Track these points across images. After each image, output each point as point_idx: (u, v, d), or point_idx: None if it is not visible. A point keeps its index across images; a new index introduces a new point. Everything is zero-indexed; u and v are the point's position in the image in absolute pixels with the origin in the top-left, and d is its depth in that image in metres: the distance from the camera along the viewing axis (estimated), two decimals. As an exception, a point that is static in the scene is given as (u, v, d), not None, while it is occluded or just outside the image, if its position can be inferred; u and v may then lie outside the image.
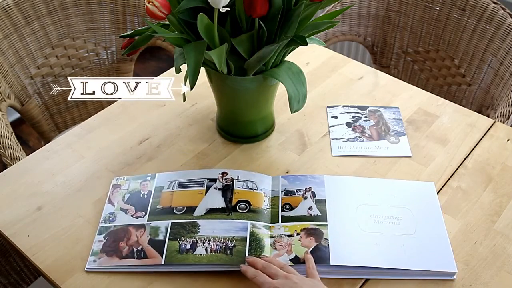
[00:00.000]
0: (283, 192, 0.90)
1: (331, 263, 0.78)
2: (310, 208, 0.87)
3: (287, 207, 0.87)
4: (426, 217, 0.86)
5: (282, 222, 0.85)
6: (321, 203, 0.88)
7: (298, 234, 0.82)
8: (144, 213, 0.88)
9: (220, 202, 0.88)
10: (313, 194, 0.89)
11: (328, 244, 0.80)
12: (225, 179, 0.92)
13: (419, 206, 0.88)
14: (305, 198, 0.89)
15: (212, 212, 0.86)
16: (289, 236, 0.82)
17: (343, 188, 0.91)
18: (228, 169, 0.94)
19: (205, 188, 0.91)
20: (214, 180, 0.92)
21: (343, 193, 0.90)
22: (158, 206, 0.88)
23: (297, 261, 0.79)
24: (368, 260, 0.79)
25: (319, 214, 0.86)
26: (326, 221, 0.84)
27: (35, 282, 1.21)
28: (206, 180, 0.92)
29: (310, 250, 0.80)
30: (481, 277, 0.78)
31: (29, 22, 1.34)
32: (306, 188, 0.90)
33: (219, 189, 0.90)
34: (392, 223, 0.85)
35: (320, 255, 0.79)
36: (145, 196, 0.91)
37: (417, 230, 0.84)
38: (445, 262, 0.79)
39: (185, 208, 0.88)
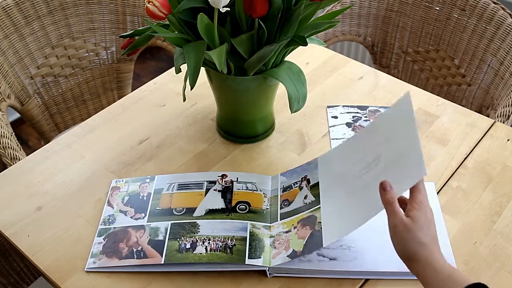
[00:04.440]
0: (281, 189, 0.90)
1: (324, 245, 0.76)
2: (305, 197, 0.86)
3: (285, 203, 0.87)
4: None
5: (280, 219, 0.85)
6: (315, 187, 0.86)
7: (295, 227, 0.82)
8: (143, 214, 0.88)
9: (219, 203, 0.88)
10: (308, 182, 0.88)
11: (321, 227, 0.79)
12: (225, 181, 0.92)
13: None
14: (301, 188, 0.88)
15: (211, 213, 0.86)
16: (286, 232, 0.82)
17: (337, 160, 0.87)
18: (227, 172, 0.94)
19: (204, 190, 0.91)
20: (214, 183, 0.92)
21: (335, 165, 0.87)
22: (157, 208, 0.88)
23: (294, 255, 0.78)
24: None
25: (313, 199, 0.84)
26: (319, 203, 0.83)
27: (35, 282, 1.21)
28: (205, 182, 0.92)
29: (306, 239, 0.79)
30: (481, 277, 0.78)
31: (29, 22, 1.34)
32: (302, 178, 0.89)
33: (218, 191, 0.90)
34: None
35: (314, 240, 0.78)
36: (145, 198, 0.91)
37: None
38: None
39: (184, 209, 0.88)
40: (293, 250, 0.79)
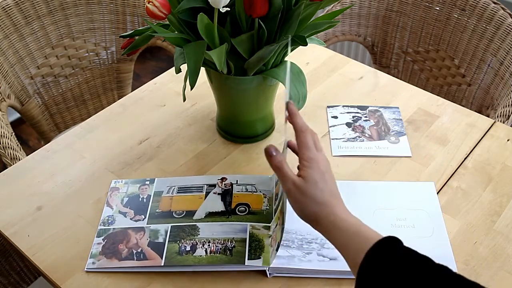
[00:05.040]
0: (275, 185, 0.90)
1: (284, 226, 0.76)
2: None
3: (276, 198, 0.87)
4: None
5: (274, 215, 0.85)
6: None
7: (279, 218, 0.82)
8: (143, 216, 0.88)
9: (219, 206, 0.88)
10: None
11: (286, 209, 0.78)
12: (224, 184, 0.92)
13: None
14: None
15: (211, 216, 0.87)
16: (276, 226, 0.82)
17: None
18: (227, 174, 0.94)
19: (204, 193, 0.91)
20: (214, 186, 0.92)
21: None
22: (157, 210, 0.88)
23: (278, 246, 0.78)
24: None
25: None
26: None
27: (35, 282, 1.21)
28: (205, 185, 0.92)
29: (282, 226, 0.78)
30: (481, 277, 0.78)
31: (29, 22, 1.34)
32: None
33: (218, 194, 0.90)
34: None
35: (283, 225, 0.77)
36: (144, 200, 0.91)
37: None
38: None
39: (184, 212, 0.88)
40: (277, 242, 0.79)
